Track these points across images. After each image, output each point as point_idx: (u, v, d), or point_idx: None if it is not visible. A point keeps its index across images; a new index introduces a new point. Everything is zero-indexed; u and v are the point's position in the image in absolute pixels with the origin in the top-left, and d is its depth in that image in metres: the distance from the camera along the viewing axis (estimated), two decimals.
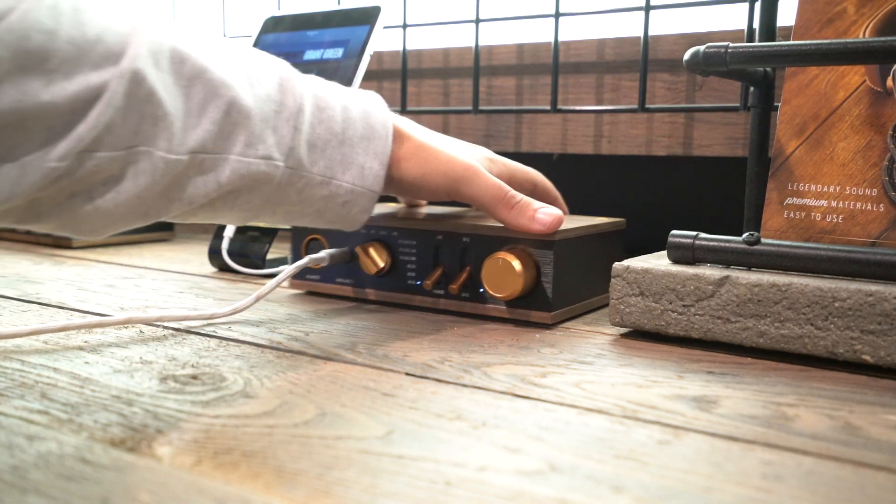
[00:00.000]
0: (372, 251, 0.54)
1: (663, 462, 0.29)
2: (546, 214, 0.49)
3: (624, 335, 0.49)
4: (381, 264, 0.54)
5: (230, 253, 0.68)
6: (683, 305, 0.45)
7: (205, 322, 0.49)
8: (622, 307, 0.47)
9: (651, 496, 0.26)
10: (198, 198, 0.41)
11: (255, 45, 0.78)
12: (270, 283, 0.51)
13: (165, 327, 0.48)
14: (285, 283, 0.60)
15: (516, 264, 0.48)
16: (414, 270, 0.54)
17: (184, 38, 0.40)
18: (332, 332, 0.48)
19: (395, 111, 0.87)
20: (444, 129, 0.86)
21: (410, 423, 0.32)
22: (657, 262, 0.48)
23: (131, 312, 0.52)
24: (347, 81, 0.68)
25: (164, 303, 0.56)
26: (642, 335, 0.48)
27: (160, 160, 0.39)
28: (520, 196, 0.50)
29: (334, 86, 0.47)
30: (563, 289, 0.50)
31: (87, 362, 0.40)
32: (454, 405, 0.35)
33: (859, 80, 0.50)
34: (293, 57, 0.74)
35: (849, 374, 0.41)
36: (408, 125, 0.50)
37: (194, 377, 0.38)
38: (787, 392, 0.37)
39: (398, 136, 0.48)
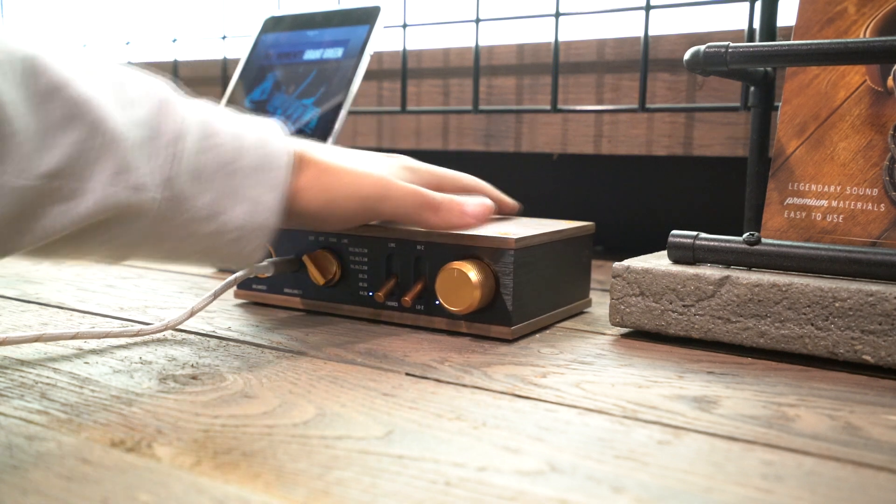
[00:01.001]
0: (320, 260, 0.51)
1: (663, 462, 0.29)
2: (475, 206, 0.48)
3: (624, 335, 0.48)
4: (330, 274, 0.51)
5: None
6: (684, 305, 0.45)
7: (131, 339, 0.45)
8: (622, 307, 0.47)
9: (651, 496, 0.26)
10: (54, 230, 0.36)
11: (255, 44, 0.78)
12: (206, 296, 0.47)
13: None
14: (227, 295, 0.57)
15: (473, 275, 0.45)
16: (365, 280, 0.50)
17: (43, 50, 0.35)
18: (331, 332, 0.48)
19: (396, 111, 0.87)
20: (445, 129, 0.86)
21: (410, 423, 0.32)
22: (657, 262, 0.48)
23: (40, 329, 0.48)
24: (347, 81, 0.68)
25: (163, 303, 0.56)
26: (642, 335, 0.48)
27: (6, 185, 0.34)
28: (441, 196, 0.47)
29: (228, 112, 0.43)
30: (524, 301, 0.47)
31: (86, 362, 0.40)
32: (454, 405, 0.35)
33: (860, 80, 0.50)
34: (293, 57, 0.74)
35: (849, 374, 0.41)
36: (313, 149, 0.45)
37: (194, 377, 0.38)
38: (787, 392, 0.37)
39: (300, 164, 0.43)
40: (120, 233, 0.38)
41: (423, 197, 0.46)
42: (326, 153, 0.46)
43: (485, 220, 0.49)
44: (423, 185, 0.48)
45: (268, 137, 0.42)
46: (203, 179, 0.39)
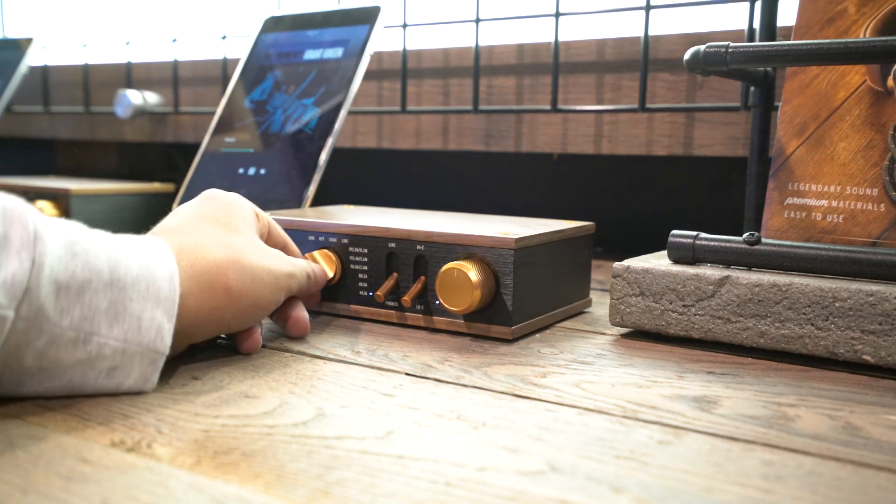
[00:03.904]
0: (320, 259, 0.51)
1: (663, 462, 0.29)
2: (318, 268, 0.48)
3: (624, 335, 0.48)
4: (330, 274, 0.51)
5: None
6: (684, 305, 0.45)
7: None
8: (622, 307, 0.47)
9: (651, 496, 0.26)
10: None
11: (255, 44, 0.78)
12: None
13: None
14: None
15: (473, 275, 0.45)
16: (365, 280, 0.50)
17: None
18: (331, 332, 0.48)
19: (396, 111, 0.87)
20: (445, 129, 0.86)
21: (410, 423, 0.32)
22: (657, 262, 0.48)
23: None
24: (347, 81, 0.68)
25: None
26: (643, 335, 0.48)
27: None
28: (309, 265, 0.47)
29: (94, 231, 0.36)
30: (524, 301, 0.47)
31: None
32: (454, 405, 0.35)
33: (860, 80, 0.49)
34: (293, 57, 0.74)
35: (849, 374, 0.41)
36: (186, 243, 0.39)
37: (194, 377, 0.38)
38: (787, 392, 0.37)
39: (188, 255, 0.38)
40: None
41: (307, 271, 0.46)
42: (195, 245, 0.39)
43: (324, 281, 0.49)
44: (263, 230, 0.46)
45: (148, 242, 0.37)
46: (72, 291, 0.32)
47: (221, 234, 0.40)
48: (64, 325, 0.32)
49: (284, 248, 0.47)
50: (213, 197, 0.44)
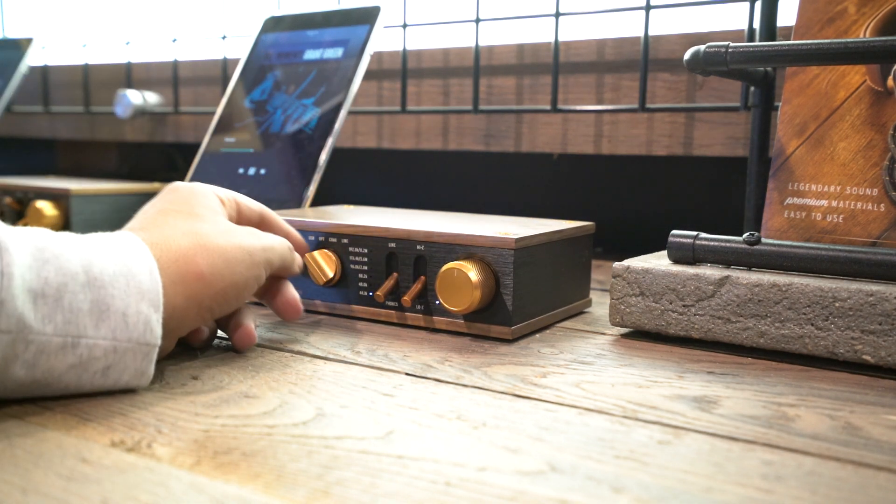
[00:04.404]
0: (320, 259, 0.51)
1: (663, 462, 0.29)
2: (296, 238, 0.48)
3: (624, 335, 0.48)
4: (330, 274, 0.50)
5: None
6: (684, 305, 0.45)
7: None
8: (622, 307, 0.47)
9: (651, 496, 0.26)
10: None
11: (255, 44, 0.78)
12: None
13: None
14: None
15: (473, 275, 0.45)
16: (365, 280, 0.50)
17: None
18: (331, 332, 0.48)
19: (396, 111, 0.87)
20: (445, 129, 0.86)
21: (410, 423, 0.32)
22: (657, 262, 0.48)
23: None
24: (347, 81, 0.68)
25: None
26: (643, 335, 0.48)
27: None
28: (290, 235, 0.47)
29: (63, 234, 0.35)
30: (524, 301, 0.47)
31: None
32: (454, 405, 0.35)
33: (860, 80, 0.49)
34: (293, 57, 0.74)
35: (849, 374, 0.41)
36: (159, 238, 0.38)
37: (194, 377, 0.38)
38: (787, 392, 0.37)
39: (157, 249, 0.37)
40: None
41: (287, 241, 0.45)
42: (171, 235, 0.39)
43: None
44: (231, 211, 0.45)
45: (120, 238, 0.37)
46: (49, 297, 0.32)
47: (184, 224, 0.40)
48: (48, 331, 0.32)
49: (261, 223, 0.47)
50: (173, 190, 0.43)
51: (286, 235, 0.47)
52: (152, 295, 0.35)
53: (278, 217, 0.48)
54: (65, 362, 0.32)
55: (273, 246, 0.43)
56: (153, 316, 0.34)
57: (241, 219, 0.46)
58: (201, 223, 0.40)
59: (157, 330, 0.35)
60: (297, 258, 0.46)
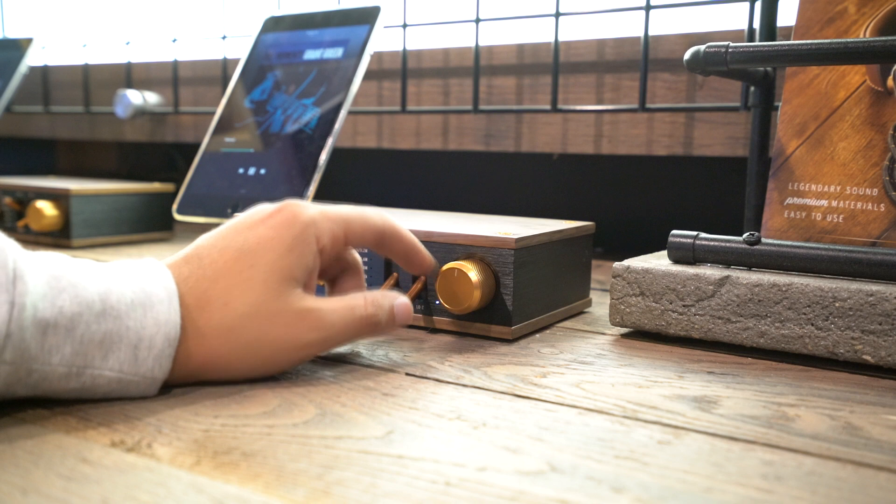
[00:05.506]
0: None
1: (663, 462, 0.29)
2: (403, 314, 0.40)
3: (624, 335, 0.48)
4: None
5: None
6: (684, 305, 0.45)
7: None
8: (622, 307, 0.47)
9: (651, 496, 0.26)
10: None
11: (255, 44, 0.78)
12: None
13: None
14: None
15: (473, 275, 0.44)
16: (366, 280, 0.48)
17: None
18: None
19: (396, 111, 0.87)
20: (445, 129, 0.86)
21: (410, 423, 0.32)
22: (657, 262, 0.48)
23: None
24: (347, 81, 0.68)
25: None
26: (643, 335, 0.48)
27: None
28: (375, 306, 0.39)
29: (81, 261, 0.34)
30: (524, 301, 0.46)
31: None
32: (454, 405, 0.35)
33: (860, 80, 0.49)
34: (293, 57, 0.74)
35: (849, 374, 0.41)
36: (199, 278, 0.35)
37: None
38: (787, 392, 0.37)
39: (186, 303, 0.35)
40: None
41: (363, 322, 0.38)
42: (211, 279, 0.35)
43: (408, 320, 0.40)
44: (331, 233, 0.38)
45: (142, 265, 0.35)
46: (61, 329, 0.31)
47: (237, 291, 0.35)
48: (54, 362, 0.31)
49: (380, 241, 0.41)
50: (280, 225, 0.37)
51: (408, 253, 0.42)
52: (169, 327, 0.33)
53: (404, 231, 0.42)
54: (67, 387, 0.32)
55: (329, 336, 0.37)
56: (166, 350, 0.33)
57: (351, 245, 0.40)
58: (256, 296, 0.35)
59: (167, 364, 0.34)
60: (380, 321, 0.39)
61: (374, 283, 0.50)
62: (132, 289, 0.33)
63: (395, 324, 0.40)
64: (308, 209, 0.38)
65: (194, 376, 0.36)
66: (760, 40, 0.58)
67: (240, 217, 0.38)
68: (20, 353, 0.30)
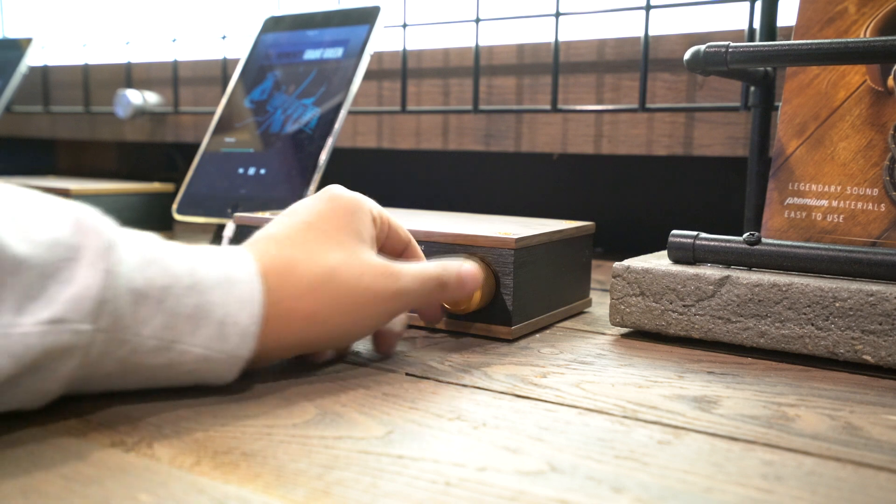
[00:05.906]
0: None
1: (664, 462, 0.29)
2: (471, 279, 0.42)
3: (624, 335, 0.48)
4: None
5: None
6: (684, 305, 0.45)
7: None
8: (622, 307, 0.47)
9: (651, 496, 0.26)
10: None
11: (255, 44, 0.78)
12: None
13: None
14: None
15: None
16: None
17: None
18: None
19: (396, 111, 0.87)
20: (445, 129, 0.86)
21: (410, 423, 0.32)
22: (657, 262, 0.48)
23: None
24: (347, 81, 0.68)
25: None
26: (643, 335, 0.48)
27: None
28: (446, 272, 0.41)
29: (170, 241, 0.35)
30: (524, 301, 0.46)
31: None
32: (454, 405, 0.35)
33: (860, 80, 0.50)
34: (293, 57, 0.74)
35: (850, 374, 0.41)
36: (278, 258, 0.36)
37: None
38: (787, 392, 0.37)
39: (274, 272, 0.35)
40: (42, 380, 0.30)
41: (435, 282, 0.40)
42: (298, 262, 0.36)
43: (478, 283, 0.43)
44: (377, 209, 0.41)
45: (224, 249, 0.36)
46: (152, 298, 0.31)
47: (318, 249, 0.37)
48: (145, 334, 0.31)
49: (405, 253, 0.43)
50: (331, 198, 0.40)
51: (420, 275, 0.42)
52: (251, 306, 0.34)
53: (422, 254, 0.44)
54: (155, 362, 0.32)
55: (408, 290, 0.39)
56: (250, 328, 0.34)
57: (386, 245, 0.42)
58: (336, 252, 0.37)
59: (251, 343, 0.34)
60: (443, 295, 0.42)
61: None
62: (216, 267, 0.34)
63: (463, 287, 0.42)
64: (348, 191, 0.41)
65: (290, 348, 0.37)
66: (760, 40, 0.58)
67: (288, 208, 0.40)
68: (115, 320, 0.30)
